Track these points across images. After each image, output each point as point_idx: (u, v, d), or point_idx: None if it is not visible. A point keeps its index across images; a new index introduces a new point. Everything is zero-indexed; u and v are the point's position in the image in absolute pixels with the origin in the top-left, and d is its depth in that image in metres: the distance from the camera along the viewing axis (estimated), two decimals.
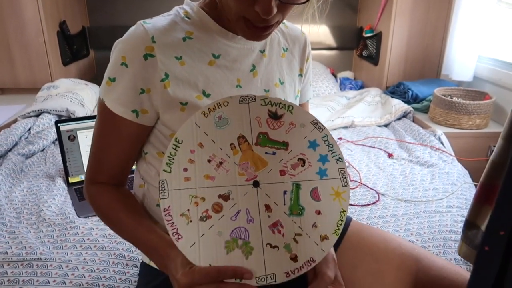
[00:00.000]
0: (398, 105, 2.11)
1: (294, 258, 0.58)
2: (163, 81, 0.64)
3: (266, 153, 0.61)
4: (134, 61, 0.64)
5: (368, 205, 1.32)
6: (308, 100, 0.90)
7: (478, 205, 0.61)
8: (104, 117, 0.69)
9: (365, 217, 1.24)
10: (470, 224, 0.62)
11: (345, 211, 0.61)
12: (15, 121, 1.84)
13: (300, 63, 0.81)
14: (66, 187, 1.38)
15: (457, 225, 1.19)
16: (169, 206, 0.57)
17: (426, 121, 2.01)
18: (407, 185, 1.45)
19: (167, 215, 0.57)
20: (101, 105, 0.68)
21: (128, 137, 0.69)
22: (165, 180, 0.58)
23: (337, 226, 0.61)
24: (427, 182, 1.46)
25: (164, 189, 0.58)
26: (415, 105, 2.16)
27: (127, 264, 1.01)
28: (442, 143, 1.79)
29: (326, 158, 0.63)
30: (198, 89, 0.67)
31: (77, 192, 1.36)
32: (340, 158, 0.63)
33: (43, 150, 1.67)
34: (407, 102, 2.19)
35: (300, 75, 0.82)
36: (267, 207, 0.59)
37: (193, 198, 0.58)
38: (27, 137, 1.72)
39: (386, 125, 2.08)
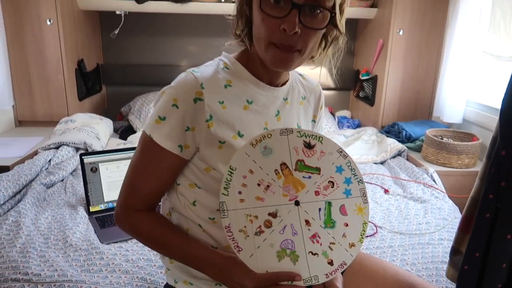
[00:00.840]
0: (393, 144, 2.26)
1: (331, 263, 0.72)
2: (207, 121, 0.76)
3: (303, 177, 0.74)
4: (185, 103, 0.75)
5: (367, 236, 1.43)
6: None
7: (461, 234, 0.73)
8: (148, 150, 0.79)
9: (365, 248, 1.35)
10: (455, 251, 0.74)
11: (367, 223, 0.75)
12: (35, 152, 1.96)
13: (314, 111, 0.95)
14: (87, 216, 1.48)
15: (448, 256, 1.30)
16: (229, 223, 0.70)
17: (419, 159, 2.15)
18: (402, 219, 1.57)
19: (228, 231, 0.70)
20: (147, 140, 0.78)
21: (168, 168, 0.80)
22: (224, 202, 0.71)
23: (361, 235, 0.74)
24: (420, 217, 1.58)
25: (224, 210, 0.71)
26: (409, 144, 2.31)
27: (149, 287, 1.10)
28: (434, 180, 1.92)
29: (350, 180, 0.76)
30: (235, 130, 0.78)
31: (98, 220, 1.46)
32: (360, 180, 0.77)
33: (62, 180, 1.78)
34: (401, 141, 2.34)
35: (314, 121, 0.96)
36: (307, 222, 0.73)
37: (248, 216, 0.71)
38: (47, 168, 1.84)
39: (382, 163, 2.22)
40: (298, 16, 0.70)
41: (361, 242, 0.74)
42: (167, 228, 0.82)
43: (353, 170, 0.77)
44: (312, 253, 0.72)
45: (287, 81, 0.88)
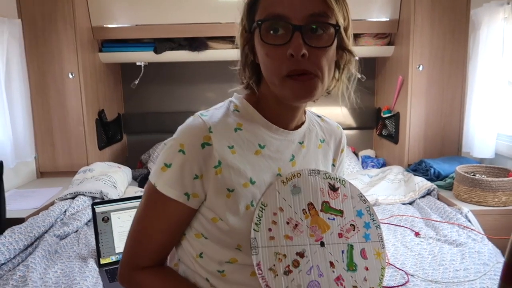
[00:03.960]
0: (422, 183, 2.12)
1: None
2: (215, 167, 0.70)
3: (328, 218, 0.74)
4: (192, 149, 0.69)
5: (398, 286, 1.29)
6: None
7: (505, 285, 0.62)
8: (154, 202, 0.72)
9: None
10: None
11: (384, 268, 0.75)
12: (52, 203, 1.94)
13: (334, 154, 0.87)
14: (97, 268, 1.42)
15: None
16: (259, 261, 0.68)
17: (451, 198, 2.00)
18: (436, 265, 1.42)
19: (259, 269, 0.68)
20: (151, 190, 0.72)
21: (176, 219, 0.73)
22: (255, 238, 0.69)
23: (380, 280, 0.74)
24: (457, 262, 1.43)
25: (255, 246, 0.68)
26: (438, 182, 2.17)
27: None
28: (469, 220, 1.76)
29: (369, 225, 0.77)
30: (246, 177, 0.71)
31: (107, 273, 1.39)
32: (378, 225, 0.78)
33: (76, 231, 1.74)
34: (430, 179, 2.20)
35: (333, 165, 0.87)
36: (331, 264, 0.72)
37: (277, 255, 0.69)
38: (62, 219, 1.81)
39: (410, 203, 2.08)
40: (302, 38, 0.65)
41: (380, 287, 0.73)
42: (175, 285, 0.74)
43: (372, 215, 0.78)
44: None
45: (303, 123, 0.82)
